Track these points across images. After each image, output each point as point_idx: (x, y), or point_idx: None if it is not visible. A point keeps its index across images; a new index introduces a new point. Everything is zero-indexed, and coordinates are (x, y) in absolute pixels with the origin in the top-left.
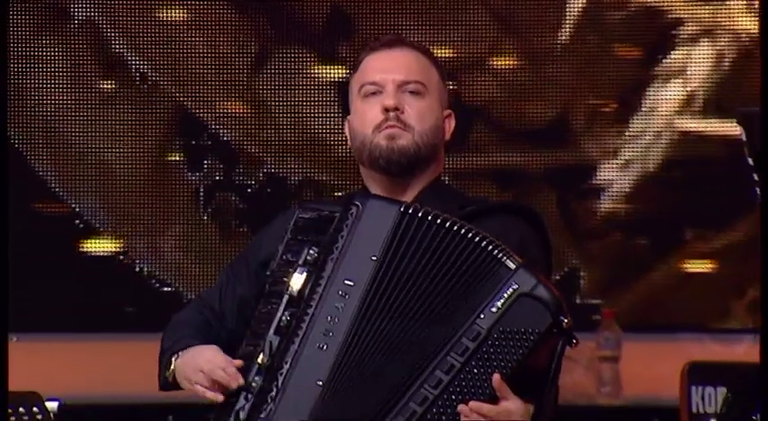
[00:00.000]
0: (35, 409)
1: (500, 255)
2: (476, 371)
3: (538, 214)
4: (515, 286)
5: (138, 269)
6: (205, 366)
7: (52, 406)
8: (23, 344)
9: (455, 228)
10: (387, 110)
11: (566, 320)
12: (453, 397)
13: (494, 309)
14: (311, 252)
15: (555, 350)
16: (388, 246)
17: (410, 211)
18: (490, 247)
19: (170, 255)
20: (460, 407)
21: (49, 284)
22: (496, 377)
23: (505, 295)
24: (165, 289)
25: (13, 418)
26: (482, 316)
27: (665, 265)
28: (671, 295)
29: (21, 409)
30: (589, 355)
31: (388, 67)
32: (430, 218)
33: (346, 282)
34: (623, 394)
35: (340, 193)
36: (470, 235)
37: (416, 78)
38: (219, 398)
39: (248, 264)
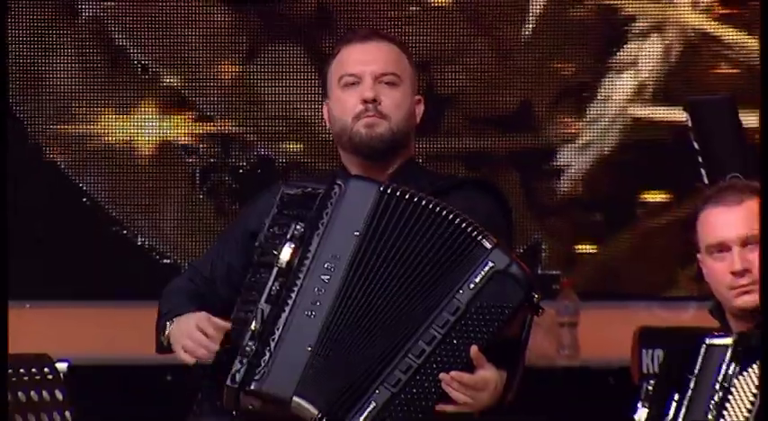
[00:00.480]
0: (46, 370)
1: (477, 235)
2: (455, 342)
3: (500, 189)
4: (491, 264)
5: (139, 243)
6: (191, 335)
7: (62, 366)
8: (35, 311)
9: (431, 206)
10: (365, 101)
11: (536, 295)
12: (435, 365)
13: (471, 286)
14: (298, 227)
15: (525, 321)
16: (369, 222)
17: (389, 191)
18: (469, 228)
19: (169, 231)
20: (441, 376)
21: (59, 257)
22: (474, 348)
23: (482, 272)
24: (165, 261)
25: (25, 378)
26: (461, 291)
27: (619, 240)
28: (624, 267)
29: (33, 370)
30: (549, 321)
31: (365, 59)
32: (407, 196)
33: (332, 255)
34: (581, 356)
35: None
36: (448, 214)
37: (392, 70)
38: (192, 360)
39: (237, 235)
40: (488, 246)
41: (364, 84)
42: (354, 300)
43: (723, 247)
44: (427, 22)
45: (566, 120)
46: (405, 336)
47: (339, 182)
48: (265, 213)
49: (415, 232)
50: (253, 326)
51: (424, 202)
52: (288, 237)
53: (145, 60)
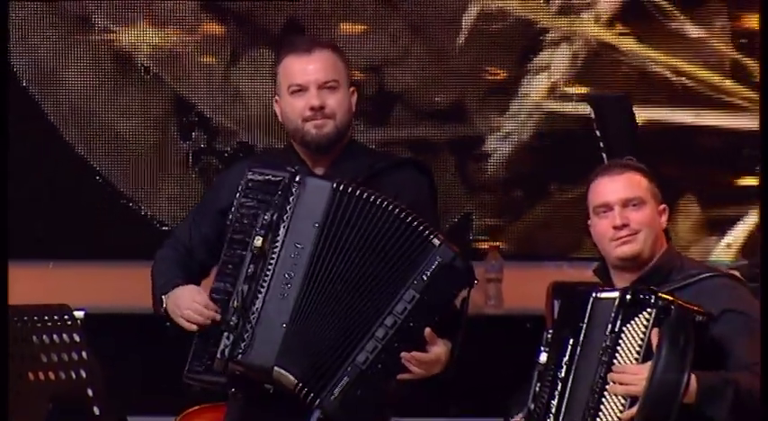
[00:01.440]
0: (66, 317)
1: (428, 234)
2: (411, 324)
3: (430, 169)
4: (440, 259)
5: (143, 213)
6: (190, 306)
7: (79, 314)
8: (57, 269)
9: (385, 204)
10: (313, 109)
11: (476, 281)
12: (396, 345)
13: (424, 277)
14: (266, 217)
15: (466, 299)
16: (326, 214)
17: (341, 188)
18: (420, 227)
19: (167, 203)
20: (403, 355)
21: (77, 224)
22: (428, 330)
23: (432, 266)
24: (164, 228)
25: (49, 324)
26: (415, 282)
27: (535, 211)
28: (539, 233)
29: (55, 317)
30: (479, 277)
31: (308, 69)
32: (358, 193)
33: (296, 244)
34: (504, 306)
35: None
36: (400, 212)
37: (331, 77)
38: (194, 328)
39: (209, 209)
40: (437, 243)
41: (310, 92)
42: (319, 285)
43: (607, 207)
44: (378, 32)
45: (492, 113)
46: (369, 321)
47: (298, 179)
48: (233, 191)
49: (371, 228)
50: (234, 304)
51: (378, 201)
52: (259, 226)
53: (147, 64)
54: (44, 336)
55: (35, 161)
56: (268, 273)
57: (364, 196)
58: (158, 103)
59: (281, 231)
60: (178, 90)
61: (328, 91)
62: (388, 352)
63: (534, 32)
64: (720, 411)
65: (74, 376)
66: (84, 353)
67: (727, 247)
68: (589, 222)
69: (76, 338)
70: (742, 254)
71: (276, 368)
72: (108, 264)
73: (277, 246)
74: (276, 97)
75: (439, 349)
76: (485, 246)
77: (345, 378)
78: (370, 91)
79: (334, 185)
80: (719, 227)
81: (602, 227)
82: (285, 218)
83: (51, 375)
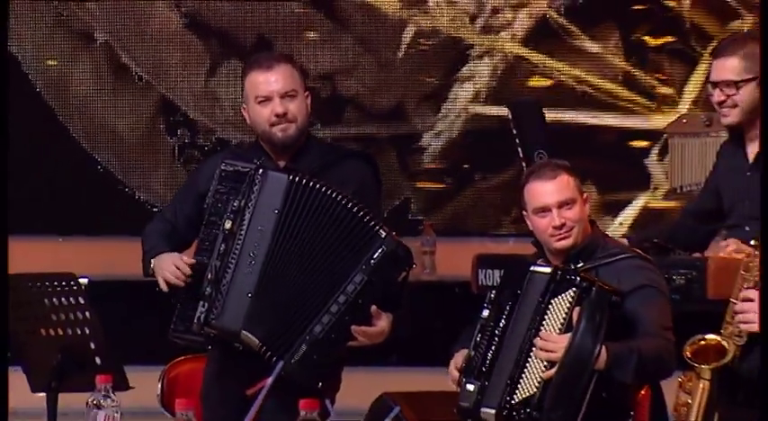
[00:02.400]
0: (72, 283)
1: (375, 225)
2: (360, 302)
3: (376, 160)
4: (385, 248)
5: (137, 197)
6: (168, 268)
7: (83, 281)
8: (65, 243)
9: (335, 195)
10: (277, 116)
11: (414, 264)
12: (347, 319)
13: (372, 262)
14: (235, 204)
15: (405, 278)
16: (284, 203)
17: (296, 180)
18: (367, 218)
19: (157, 189)
20: (353, 328)
21: (83, 206)
22: (374, 307)
23: (378, 253)
24: (154, 209)
25: (58, 289)
26: (364, 267)
27: (462, 195)
28: (466, 213)
29: (63, 283)
30: (416, 251)
31: (270, 81)
32: (311, 184)
33: (259, 227)
34: (437, 273)
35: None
36: (348, 203)
37: (290, 87)
38: (165, 288)
39: (190, 193)
40: (383, 234)
41: (274, 102)
42: (279, 263)
43: (545, 210)
44: (332, 46)
45: (426, 114)
46: (324, 298)
47: (261, 171)
48: (210, 178)
49: (324, 217)
50: (209, 277)
51: (329, 192)
52: (229, 210)
53: (140, 73)
54: (54, 299)
55: (49, 154)
56: (236, 251)
57: (317, 187)
58: (149, 105)
59: (247, 216)
60: (166, 95)
61: (289, 99)
62: (339, 324)
63: (461, 48)
64: (626, 375)
65: (79, 332)
66: (87, 313)
67: (619, 225)
68: (525, 214)
69: (81, 301)
70: (631, 229)
71: (243, 331)
72: (107, 239)
73: (243, 229)
74: (244, 105)
75: (383, 323)
76: (421, 224)
77: (304, 345)
78: (326, 95)
79: (290, 177)
80: (613, 209)
81: (542, 225)
82: (250, 204)
83: (60, 331)
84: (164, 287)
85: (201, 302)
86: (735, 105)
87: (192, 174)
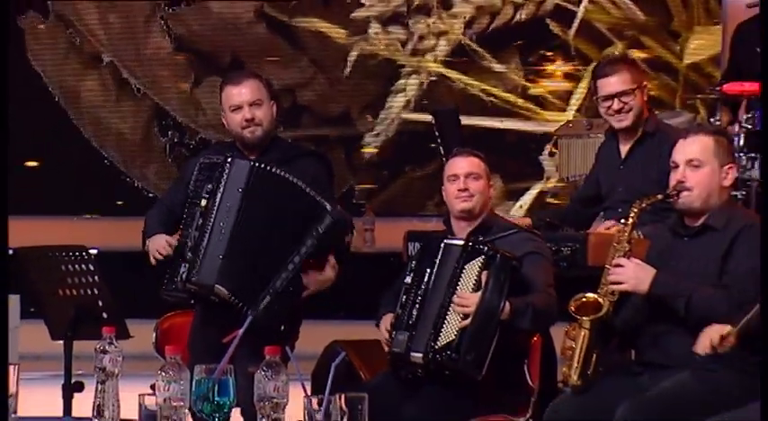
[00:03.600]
0: (83, 253)
1: (321, 200)
2: (312, 261)
3: (328, 158)
4: (331, 218)
5: (136, 185)
6: (157, 247)
7: (93, 251)
8: (79, 222)
9: (290, 178)
10: (247, 120)
11: (354, 230)
12: (301, 274)
13: (321, 229)
14: (209, 187)
15: (349, 240)
16: (246, 183)
17: (257, 166)
18: (316, 196)
19: (152, 179)
20: (304, 277)
21: (92, 193)
22: (331, 258)
23: (326, 222)
24: (150, 195)
25: (72, 257)
26: (314, 233)
27: (396, 184)
28: (398, 198)
29: (75, 253)
30: (358, 228)
31: (242, 93)
32: (269, 169)
33: (227, 204)
34: (375, 246)
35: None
36: (300, 184)
37: (257, 97)
38: (153, 262)
39: (181, 183)
40: (329, 208)
41: (244, 109)
42: (244, 231)
43: (456, 177)
44: (293, 65)
45: (368, 119)
46: (282, 258)
47: (230, 160)
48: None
49: (280, 194)
50: (189, 244)
51: (284, 175)
52: (204, 192)
53: (138, 86)
54: (69, 266)
55: (65, 152)
56: (210, 223)
57: (274, 171)
58: (146, 111)
59: (218, 195)
60: (159, 103)
61: (256, 107)
62: (295, 279)
63: (395, 67)
64: (524, 323)
65: (89, 292)
66: (96, 278)
67: (519, 208)
68: (443, 187)
69: (91, 268)
70: (529, 211)
71: (216, 285)
72: (112, 218)
73: (215, 205)
74: (222, 113)
75: (330, 273)
76: (363, 207)
77: (267, 297)
78: (287, 104)
79: (252, 163)
80: (515, 195)
81: (451, 189)
82: (220, 186)
83: (74, 292)
84: (153, 262)
85: (183, 264)
86: (630, 110)
87: (183, 168)
